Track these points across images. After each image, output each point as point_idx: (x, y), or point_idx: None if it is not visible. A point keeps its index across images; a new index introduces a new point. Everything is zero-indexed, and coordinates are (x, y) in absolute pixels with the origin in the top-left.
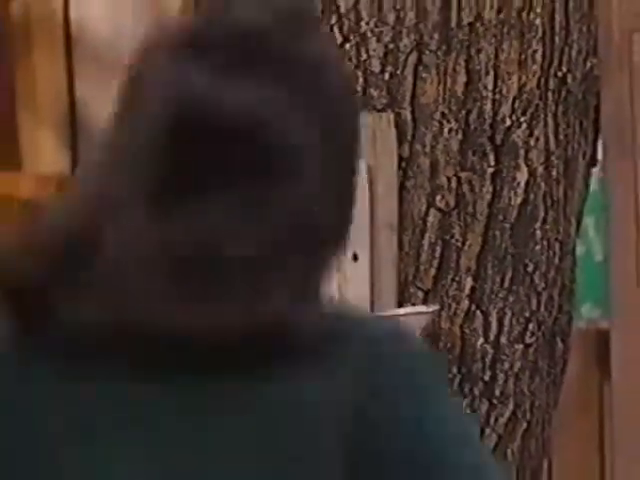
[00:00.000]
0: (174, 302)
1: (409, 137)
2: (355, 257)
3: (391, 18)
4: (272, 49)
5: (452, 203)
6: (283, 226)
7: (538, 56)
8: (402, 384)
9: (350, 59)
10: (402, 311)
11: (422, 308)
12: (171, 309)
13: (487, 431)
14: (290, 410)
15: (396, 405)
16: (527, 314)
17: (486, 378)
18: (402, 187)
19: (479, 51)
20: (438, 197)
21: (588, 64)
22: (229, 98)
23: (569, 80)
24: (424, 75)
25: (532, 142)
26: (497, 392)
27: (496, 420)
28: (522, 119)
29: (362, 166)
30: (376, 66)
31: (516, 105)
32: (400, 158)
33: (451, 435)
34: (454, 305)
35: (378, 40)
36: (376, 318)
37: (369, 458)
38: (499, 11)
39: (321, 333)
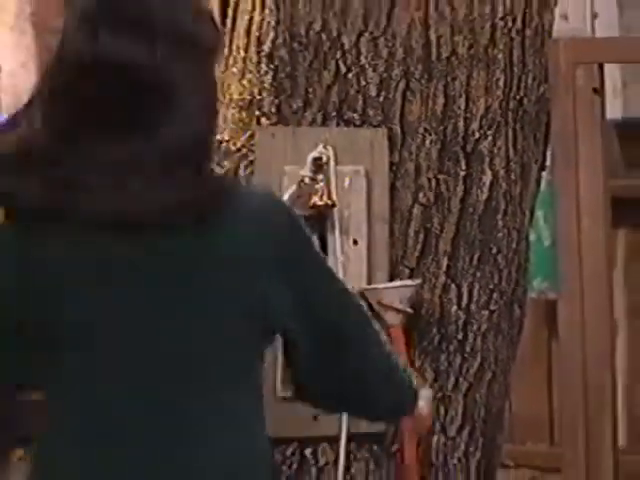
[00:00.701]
0: (130, 195)
1: (398, 147)
2: (355, 242)
3: (384, 53)
4: (150, 14)
5: (432, 199)
6: (175, 139)
7: (500, 83)
8: (289, 228)
9: (352, 85)
10: (392, 284)
11: (408, 282)
12: (127, 199)
13: (460, 379)
14: (211, 254)
15: (290, 242)
16: (491, 286)
17: (459, 337)
18: (392, 186)
19: (454, 79)
20: (421, 194)
21: (541, 89)
22: (121, 51)
23: (525, 102)
24: (410, 98)
25: (495, 151)
26: (468, 348)
27: (467, 370)
28: (488, 133)
29: (362, 170)
30: (373, 91)
31: (483, 122)
32: (391, 163)
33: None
34: (433, 279)
35: (374, 70)
36: (258, 189)
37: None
38: (470, 48)
39: (221, 200)
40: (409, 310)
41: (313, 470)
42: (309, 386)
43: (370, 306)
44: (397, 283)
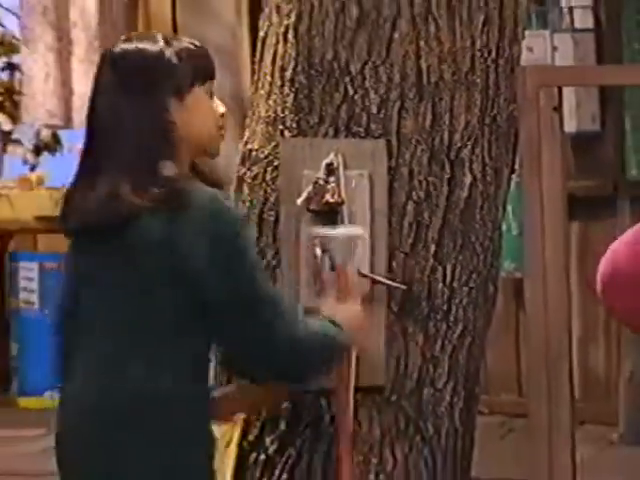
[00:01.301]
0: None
1: (395, 155)
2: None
3: (384, 78)
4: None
5: (422, 197)
6: (129, 155)
7: (478, 102)
8: (226, 230)
9: (358, 104)
10: (334, 232)
11: (397, 284)
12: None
13: (445, 343)
14: (149, 245)
15: (220, 240)
16: (470, 268)
17: (444, 309)
18: (390, 187)
19: (440, 100)
20: (413, 193)
21: (510, 108)
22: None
23: (498, 118)
24: (405, 115)
25: (474, 158)
26: (452, 318)
27: (451, 336)
28: (467, 143)
29: (365, 174)
30: (374, 109)
31: (464, 134)
32: (389, 168)
33: (251, 260)
34: (423, 262)
35: (376, 93)
36: (202, 189)
37: (194, 271)
38: (453, 74)
39: (168, 199)
40: (397, 285)
41: (327, 417)
42: (222, 354)
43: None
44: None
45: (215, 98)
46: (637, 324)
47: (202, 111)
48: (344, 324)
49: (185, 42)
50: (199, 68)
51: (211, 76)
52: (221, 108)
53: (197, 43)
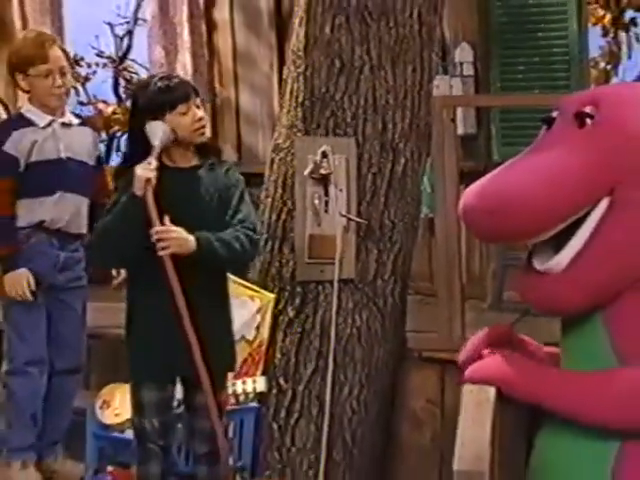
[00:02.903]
0: None
1: (361, 146)
2: (341, 190)
3: (355, 102)
4: None
5: (376, 170)
6: None
7: (409, 116)
8: (236, 178)
9: (339, 117)
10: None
11: (362, 220)
12: None
13: (390, 254)
14: (220, 182)
15: (234, 181)
16: (405, 211)
17: (389, 234)
18: (359, 165)
19: (387, 114)
20: (371, 168)
21: (427, 119)
22: None
23: (420, 125)
24: (367, 124)
25: (406, 148)
26: (394, 239)
27: (391, 250)
28: (402, 139)
29: (344, 157)
30: (349, 120)
31: (400, 135)
32: (357, 154)
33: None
34: (377, 207)
35: (350, 110)
36: (230, 163)
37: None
38: (395, 99)
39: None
40: (361, 220)
41: (321, 297)
42: None
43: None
44: (355, 218)
45: (192, 110)
46: (491, 240)
47: (180, 124)
48: None
49: (163, 81)
50: (163, 102)
51: (177, 102)
52: (199, 113)
53: (166, 80)
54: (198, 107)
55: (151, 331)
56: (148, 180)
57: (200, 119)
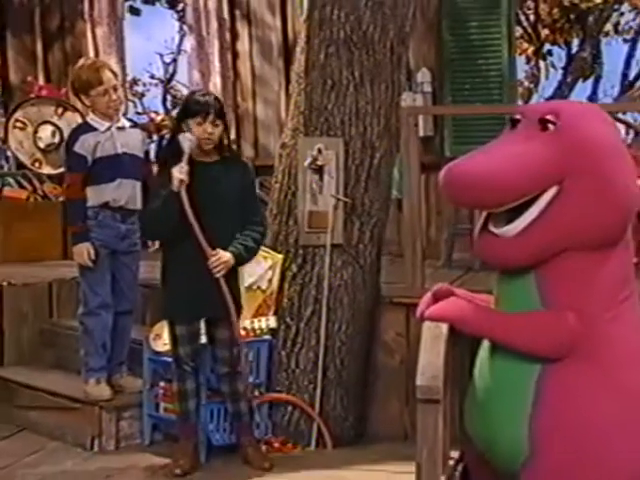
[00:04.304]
0: None
1: (347, 145)
2: (331, 177)
3: (342, 111)
4: None
5: (358, 162)
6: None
7: (382, 122)
8: (250, 175)
9: (331, 123)
10: (340, 197)
11: (346, 199)
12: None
13: (369, 225)
14: (234, 172)
15: (249, 178)
16: (380, 193)
17: (368, 210)
18: (346, 157)
19: (365, 119)
20: (355, 161)
21: (396, 124)
22: None
23: (392, 129)
24: (352, 128)
25: (381, 146)
26: (372, 214)
27: (370, 222)
28: (378, 140)
29: (334, 152)
30: (338, 125)
31: (377, 136)
32: (345, 150)
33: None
34: (359, 190)
35: (339, 117)
36: (243, 160)
37: (247, 189)
38: (372, 109)
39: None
40: (347, 200)
41: (317, 257)
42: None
43: None
44: (342, 197)
45: (205, 125)
46: (467, 206)
47: (195, 129)
48: None
49: (201, 96)
50: (191, 111)
51: (197, 114)
52: (209, 129)
53: (201, 96)
54: (213, 123)
55: (181, 282)
56: (182, 180)
57: (208, 133)
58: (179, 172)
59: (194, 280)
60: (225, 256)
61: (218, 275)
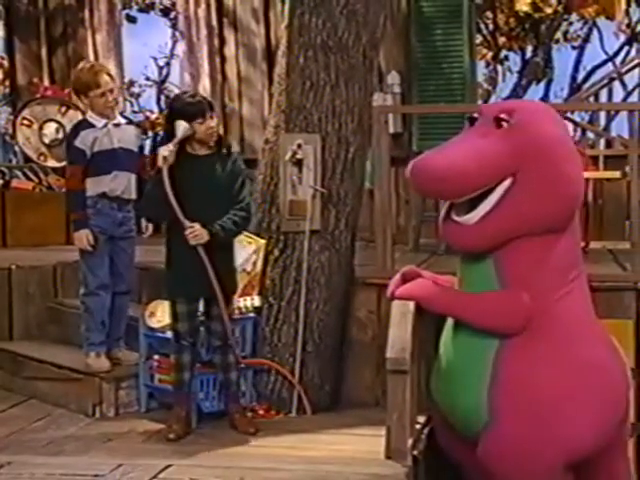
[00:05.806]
0: None
1: (324, 140)
2: (309, 169)
3: (320, 111)
4: None
5: (334, 157)
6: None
7: (356, 120)
8: (239, 166)
9: (309, 121)
10: (317, 188)
11: (323, 189)
12: None
13: (344, 212)
14: (223, 166)
15: (239, 169)
16: (354, 183)
17: (343, 198)
18: (323, 151)
19: (341, 118)
20: (331, 155)
21: (369, 122)
22: None
23: (365, 127)
24: (328, 125)
25: (356, 141)
26: (347, 202)
27: (345, 210)
28: (353, 135)
29: (311, 147)
30: (316, 122)
31: (352, 133)
32: (322, 146)
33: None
34: (334, 181)
35: (316, 116)
36: (236, 154)
37: (236, 178)
38: (347, 109)
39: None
40: (324, 190)
41: (297, 242)
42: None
43: None
44: (320, 188)
45: (207, 121)
46: (431, 196)
47: (198, 130)
48: None
49: (190, 98)
50: (189, 112)
51: (197, 115)
52: (211, 124)
53: (191, 98)
54: (211, 118)
55: (183, 265)
56: (165, 158)
57: (211, 127)
58: (164, 149)
59: (194, 262)
60: (200, 229)
61: (192, 243)
